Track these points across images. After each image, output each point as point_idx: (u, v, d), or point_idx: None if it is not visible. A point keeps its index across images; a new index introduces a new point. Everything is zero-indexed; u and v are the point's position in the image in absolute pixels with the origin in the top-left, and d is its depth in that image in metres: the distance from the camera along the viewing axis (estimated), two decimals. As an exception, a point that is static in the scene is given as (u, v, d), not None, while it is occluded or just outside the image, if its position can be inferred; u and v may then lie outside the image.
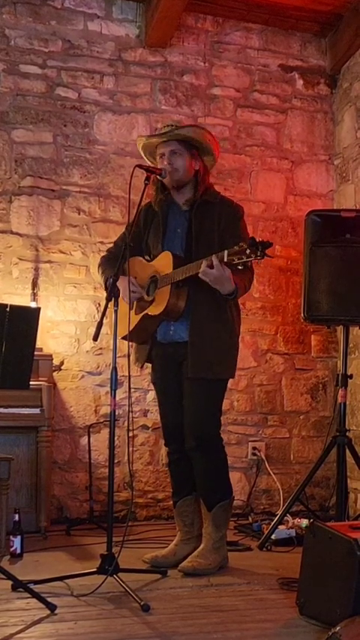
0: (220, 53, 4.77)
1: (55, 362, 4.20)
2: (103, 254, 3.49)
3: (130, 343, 3.18)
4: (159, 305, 3.06)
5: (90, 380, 4.34)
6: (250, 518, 4.18)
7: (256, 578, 2.99)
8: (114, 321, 2.85)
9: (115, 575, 2.69)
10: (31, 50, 4.38)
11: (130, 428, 3.44)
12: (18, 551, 3.29)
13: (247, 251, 2.65)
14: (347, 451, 3.68)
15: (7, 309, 2.60)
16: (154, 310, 3.08)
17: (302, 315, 3.73)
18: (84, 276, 4.38)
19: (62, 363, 4.28)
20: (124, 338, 3.11)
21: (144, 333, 3.22)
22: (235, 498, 3.52)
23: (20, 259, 4.27)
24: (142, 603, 2.52)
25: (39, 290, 4.23)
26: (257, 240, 2.65)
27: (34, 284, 4.23)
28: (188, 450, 3.15)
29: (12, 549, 3.29)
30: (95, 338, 2.82)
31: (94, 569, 2.74)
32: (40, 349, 3.94)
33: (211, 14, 4.72)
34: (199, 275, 2.83)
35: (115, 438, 2.93)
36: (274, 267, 4.68)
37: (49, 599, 2.49)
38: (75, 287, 4.36)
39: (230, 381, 3.26)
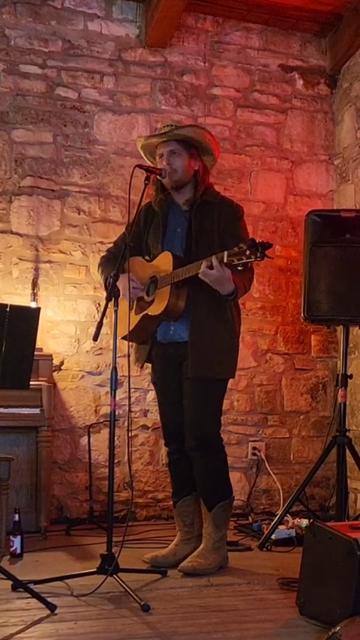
0: (220, 53, 4.77)
1: (55, 362, 4.20)
2: (103, 254, 3.49)
3: (130, 343, 3.19)
4: (159, 305, 3.06)
5: (90, 380, 4.34)
6: (250, 518, 4.18)
7: (256, 578, 2.99)
8: (114, 321, 2.85)
9: (115, 575, 2.69)
10: (31, 50, 4.38)
11: (130, 428, 3.44)
12: (18, 551, 3.29)
13: (247, 252, 2.65)
14: (347, 451, 3.68)
15: (7, 309, 2.60)
16: (154, 310, 3.08)
17: (302, 315, 3.73)
18: (84, 276, 4.38)
19: (62, 363, 4.28)
20: (124, 338, 3.11)
21: (144, 333, 3.22)
22: (235, 498, 3.52)
23: (20, 259, 4.27)
24: (142, 603, 2.53)
25: (39, 290, 4.24)
26: (257, 241, 2.65)
27: (34, 284, 4.23)
28: (188, 450, 3.15)
29: (12, 549, 3.29)
30: (95, 338, 2.82)
31: (94, 569, 2.74)
32: (40, 349, 3.94)
33: (211, 14, 4.72)
34: (199, 276, 2.83)
35: (115, 438, 2.93)
36: (274, 267, 4.68)
37: (49, 599, 2.49)
38: (75, 287, 4.36)
39: (230, 381, 3.26)
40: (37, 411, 3.72)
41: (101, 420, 4.30)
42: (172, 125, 3.20)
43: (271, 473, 4.57)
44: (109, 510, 2.82)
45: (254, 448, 4.59)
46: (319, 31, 4.92)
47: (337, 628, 2.05)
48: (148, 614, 2.49)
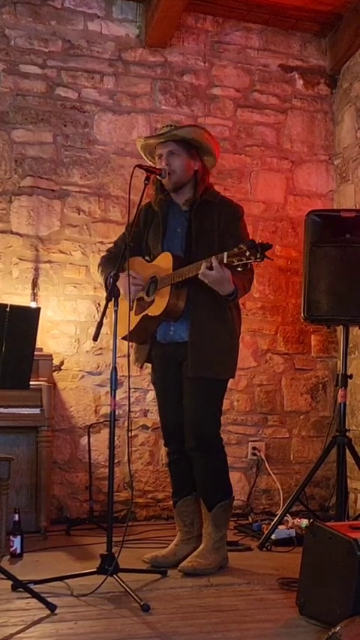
0: (220, 53, 4.77)
1: (55, 362, 4.20)
2: (103, 254, 3.49)
3: (130, 343, 3.19)
4: (159, 306, 3.06)
5: (90, 380, 4.34)
6: (250, 518, 4.18)
7: (256, 578, 2.99)
8: (114, 321, 2.85)
9: (115, 575, 2.69)
10: (31, 50, 4.38)
11: (130, 428, 3.44)
12: (18, 551, 3.29)
13: (247, 253, 2.65)
14: (347, 451, 3.68)
15: (7, 309, 2.60)
16: (154, 311, 3.08)
17: (302, 315, 3.73)
18: (84, 276, 4.38)
19: (62, 363, 4.28)
20: (124, 338, 3.11)
21: (144, 334, 3.22)
22: (235, 498, 3.51)
23: (20, 259, 4.27)
24: (142, 603, 2.53)
25: (39, 290, 4.24)
26: (257, 242, 2.65)
27: (34, 284, 4.23)
28: (188, 450, 3.15)
29: (12, 549, 3.29)
30: (95, 338, 2.82)
31: (94, 569, 2.74)
32: (40, 349, 3.94)
33: (211, 14, 4.72)
34: (199, 276, 2.83)
35: (115, 438, 2.93)
36: (274, 267, 4.68)
37: (49, 599, 2.49)
38: (75, 287, 4.36)
39: (230, 381, 3.26)
40: (37, 411, 3.72)
41: (101, 420, 4.30)
42: (171, 125, 3.20)
43: (271, 473, 4.57)
44: (109, 510, 2.82)
45: (254, 448, 4.59)
46: (319, 31, 4.92)
47: (337, 628, 2.05)
48: (148, 614, 2.49)
